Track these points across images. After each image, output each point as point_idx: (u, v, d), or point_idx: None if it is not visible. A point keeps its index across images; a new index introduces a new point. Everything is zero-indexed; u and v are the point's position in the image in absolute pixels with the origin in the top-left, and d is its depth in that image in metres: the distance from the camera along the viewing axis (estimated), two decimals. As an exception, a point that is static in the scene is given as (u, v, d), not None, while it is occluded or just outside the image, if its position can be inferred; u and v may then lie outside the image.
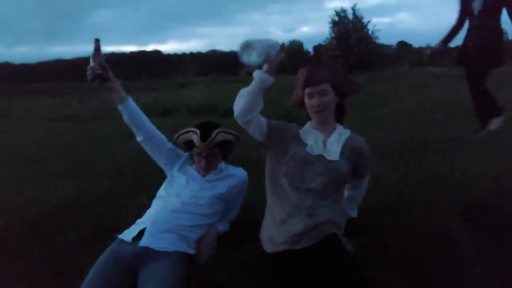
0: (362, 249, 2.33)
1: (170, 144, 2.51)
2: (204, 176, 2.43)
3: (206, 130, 2.37)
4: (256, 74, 2.03)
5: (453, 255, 2.35)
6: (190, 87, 15.15)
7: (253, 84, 2.02)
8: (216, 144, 2.38)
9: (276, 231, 2.07)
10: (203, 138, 2.34)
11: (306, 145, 2.14)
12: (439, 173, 3.63)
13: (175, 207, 2.25)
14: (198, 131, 2.36)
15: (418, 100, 7.82)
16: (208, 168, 2.42)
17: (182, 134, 2.43)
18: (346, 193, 2.36)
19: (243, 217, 2.70)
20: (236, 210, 2.59)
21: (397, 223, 2.73)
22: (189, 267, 2.13)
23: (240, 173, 2.57)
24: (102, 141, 5.83)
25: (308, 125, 2.24)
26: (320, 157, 2.10)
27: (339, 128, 2.22)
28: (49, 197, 3.47)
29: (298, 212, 2.04)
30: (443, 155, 4.18)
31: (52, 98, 13.07)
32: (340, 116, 2.25)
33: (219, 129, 2.37)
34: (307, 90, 2.12)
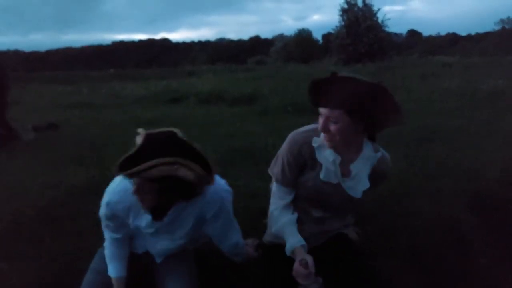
0: (368, 239, 2.30)
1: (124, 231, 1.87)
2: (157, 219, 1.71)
3: (141, 154, 1.40)
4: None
5: (460, 245, 2.36)
6: (199, 76, 15.13)
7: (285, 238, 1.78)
8: (154, 179, 1.42)
9: None
10: (122, 166, 1.39)
11: (320, 167, 1.75)
12: (447, 163, 3.63)
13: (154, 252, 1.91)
14: (130, 153, 1.42)
15: (428, 90, 7.75)
16: (146, 206, 1.60)
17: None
18: None
19: (250, 204, 2.72)
20: (235, 230, 1.93)
21: (404, 212, 2.74)
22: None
23: (217, 195, 1.73)
24: (112, 128, 5.87)
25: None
26: (338, 188, 1.76)
27: (367, 149, 1.75)
28: (61, 183, 3.52)
29: (305, 219, 1.89)
30: (451, 145, 4.17)
31: (62, 86, 13.10)
32: (370, 136, 1.78)
33: (166, 160, 1.38)
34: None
